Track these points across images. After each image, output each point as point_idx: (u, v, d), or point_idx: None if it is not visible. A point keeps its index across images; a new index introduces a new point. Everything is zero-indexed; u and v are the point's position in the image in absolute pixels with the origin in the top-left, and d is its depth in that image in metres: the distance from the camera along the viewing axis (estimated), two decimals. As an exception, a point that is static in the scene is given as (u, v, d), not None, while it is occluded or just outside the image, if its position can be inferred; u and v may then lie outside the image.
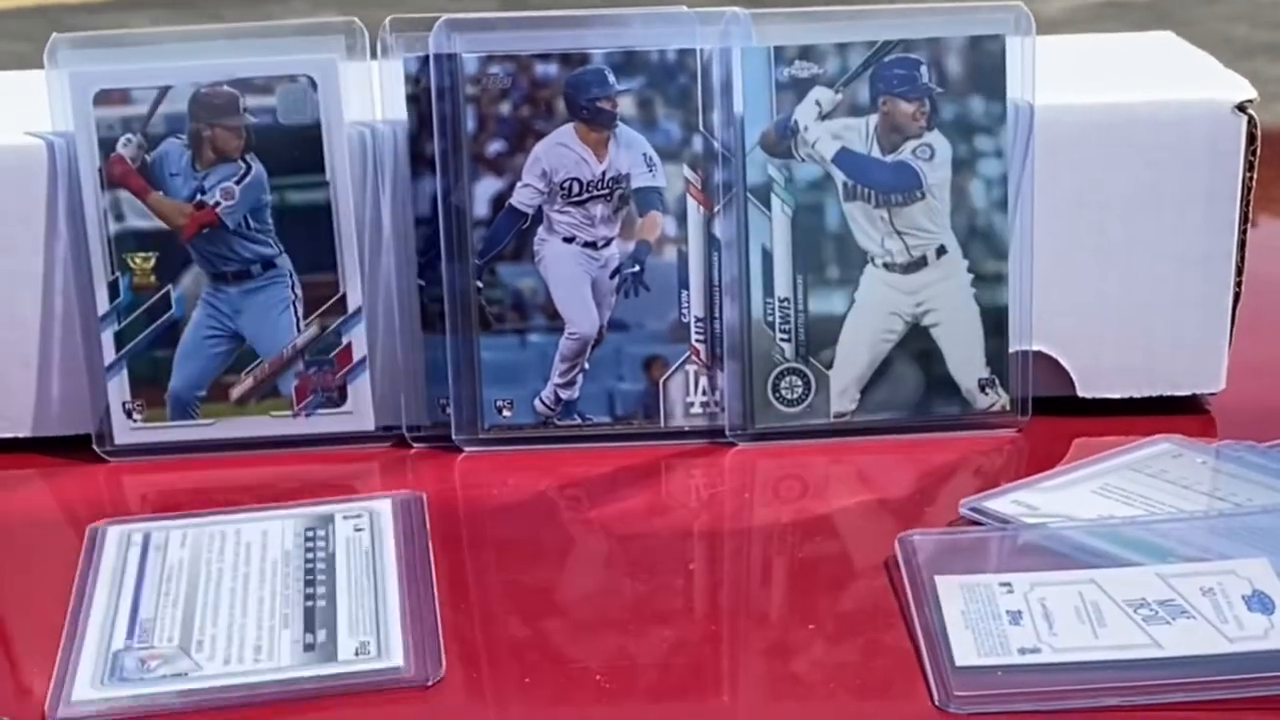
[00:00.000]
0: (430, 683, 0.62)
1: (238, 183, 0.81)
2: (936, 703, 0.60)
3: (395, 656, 0.64)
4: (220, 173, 0.81)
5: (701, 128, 0.81)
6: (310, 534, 0.72)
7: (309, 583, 0.68)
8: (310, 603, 0.67)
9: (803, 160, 0.80)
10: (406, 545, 0.71)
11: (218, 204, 0.81)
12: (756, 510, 0.78)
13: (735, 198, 0.81)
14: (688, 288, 0.82)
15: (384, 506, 0.74)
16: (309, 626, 0.65)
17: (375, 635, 0.65)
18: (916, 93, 0.80)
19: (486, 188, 0.81)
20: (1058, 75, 0.88)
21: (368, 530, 0.72)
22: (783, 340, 0.81)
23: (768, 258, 0.81)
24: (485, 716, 0.63)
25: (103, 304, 0.81)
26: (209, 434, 0.83)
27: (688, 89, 0.81)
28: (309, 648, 0.64)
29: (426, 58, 0.80)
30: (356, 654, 0.64)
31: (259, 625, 0.65)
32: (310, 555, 0.70)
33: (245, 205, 0.81)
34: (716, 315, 0.82)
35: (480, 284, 0.82)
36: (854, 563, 0.73)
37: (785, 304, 0.81)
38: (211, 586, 0.68)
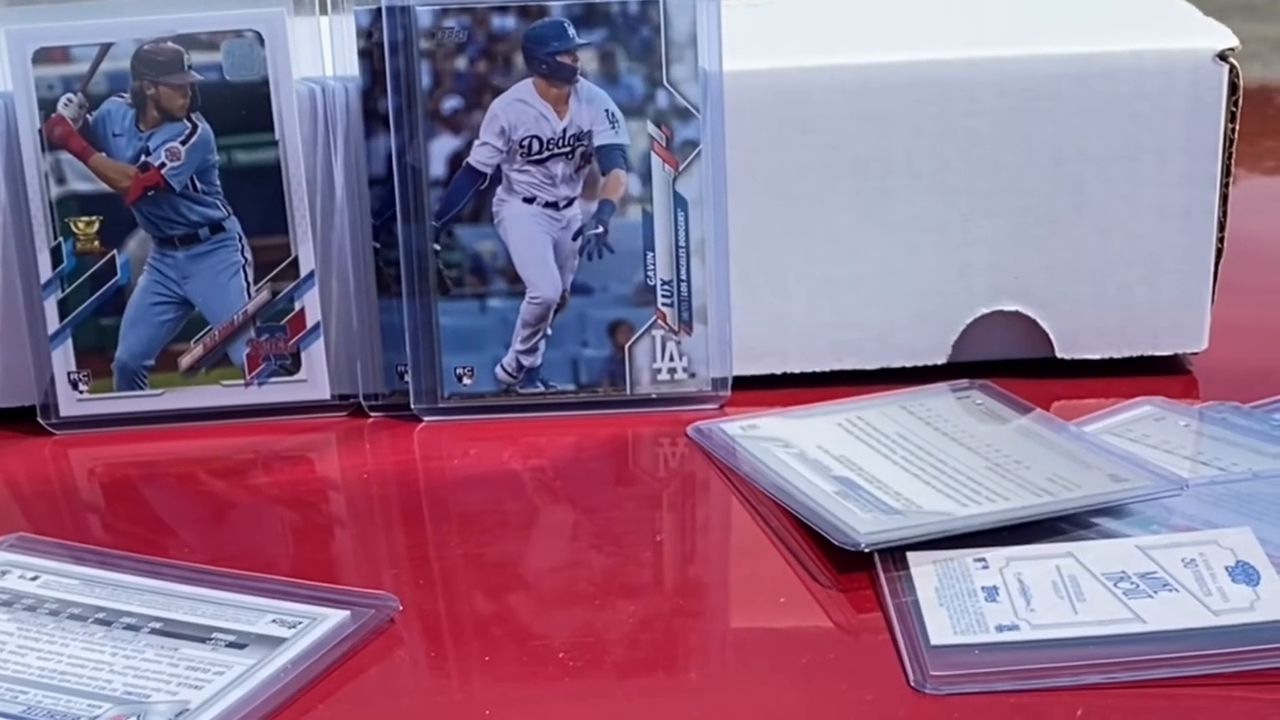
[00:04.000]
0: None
1: (183, 143, 0.78)
2: (912, 683, 0.58)
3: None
4: (165, 133, 0.78)
5: (666, 82, 0.79)
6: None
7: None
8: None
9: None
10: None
11: (163, 165, 0.78)
12: (725, 480, 0.76)
13: (701, 154, 0.79)
14: (653, 249, 0.80)
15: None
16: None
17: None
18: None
19: (443, 146, 0.79)
20: (1034, 25, 0.86)
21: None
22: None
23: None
24: (446, 696, 0.61)
25: (45, 270, 0.79)
26: (158, 405, 0.80)
27: (650, 42, 0.78)
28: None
29: (379, 10, 0.78)
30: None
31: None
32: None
33: (191, 166, 0.79)
34: (684, 278, 0.80)
35: (438, 247, 0.79)
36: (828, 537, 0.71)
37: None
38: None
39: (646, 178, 0.80)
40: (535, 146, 0.79)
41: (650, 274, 0.80)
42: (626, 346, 0.81)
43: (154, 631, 0.62)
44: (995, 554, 0.64)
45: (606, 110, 0.79)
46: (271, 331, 0.80)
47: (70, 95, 0.78)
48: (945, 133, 0.80)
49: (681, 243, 0.80)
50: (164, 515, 0.76)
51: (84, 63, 0.77)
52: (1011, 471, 0.71)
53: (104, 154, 0.78)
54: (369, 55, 0.78)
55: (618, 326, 0.81)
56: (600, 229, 0.80)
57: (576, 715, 0.60)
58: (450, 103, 0.79)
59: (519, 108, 0.79)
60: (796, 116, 0.80)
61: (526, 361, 0.81)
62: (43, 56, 0.77)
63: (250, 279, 0.80)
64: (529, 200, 0.80)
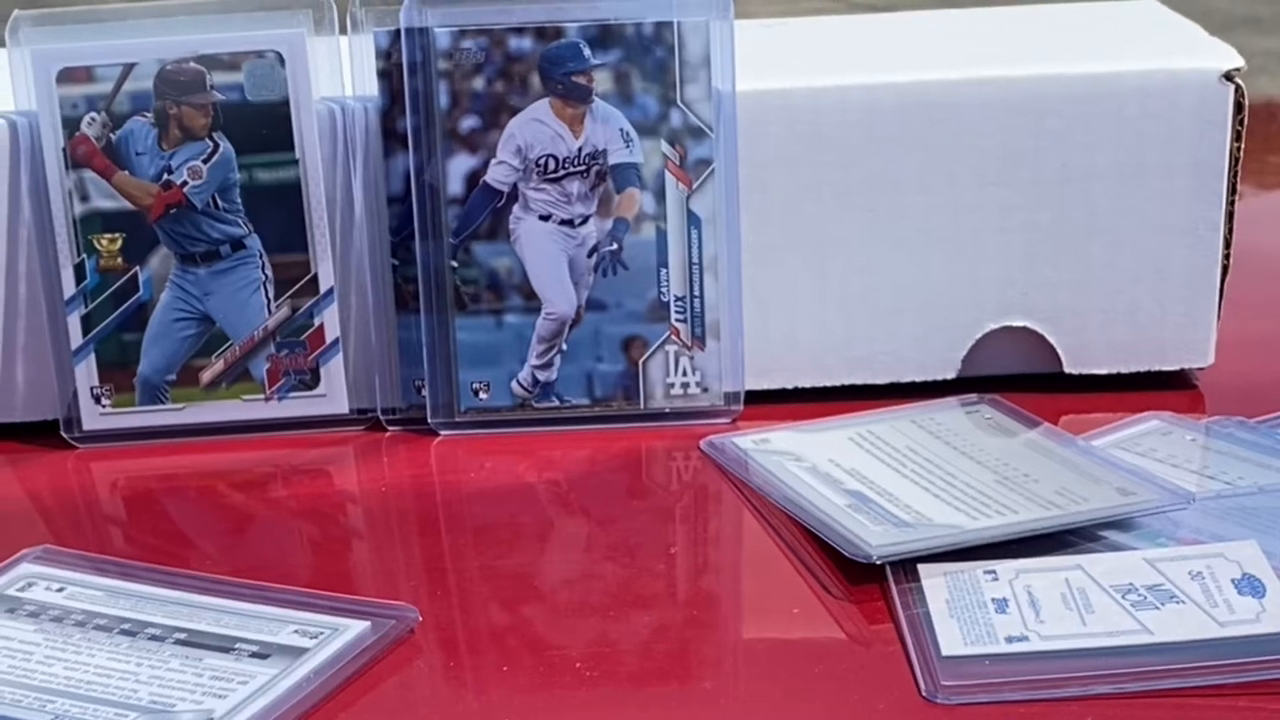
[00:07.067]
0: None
1: (205, 161, 0.79)
2: (923, 693, 0.59)
3: None
4: (187, 151, 0.79)
5: (680, 102, 0.80)
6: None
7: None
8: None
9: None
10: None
11: (185, 183, 0.79)
12: (738, 493, 0.76)
13: (715, 173, 0.80)
14: (667, 266, 0.81)
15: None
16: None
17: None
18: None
19: (460, 165, 0.80)
20: (1042, 45, 0.87)
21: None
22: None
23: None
24: (464, 705, 0.62)
25: (69, 287, 0.80)
26: (179, 419, 0.81)
27: (665, 62, 0.79)
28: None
29: (397, 32, 0.79)
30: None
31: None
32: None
33: (213, 184, 0.80)
34: (697, 294, 0.81)
35: (455, 263, 0.80)
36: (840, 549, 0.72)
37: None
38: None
39: (660, 196, 0.81)
40: (551, 165, 0.80)
41: (664, 290, 0.81)
42: (640, 362, 0.82)
43: (178, 642, 0.63)
44: (1005, 566, 0.65)
45: (621, 129, 0.80)
46: (291, 347, 0.81)
47: (94, 114, 0.79)
48: (955, 151, 0.81)
49: (695, 259, 0.81)
50: (185, 528, 0.77)
51: (107, 82, 0.78)
52: (1020, 485, 0.72)
53: (127, 172, 0.79)
54: (388, 76, 0.79)
55: (632, 342, 0.82)
56: (615, 246, 0.81)
57: (593, 724, 0.60)
58: (468, 122, 0.80)
59: (535, 127, 0.80)
60: (808, 135, 0.81)
61: (542, 376, 0.82)
62: (67, 76, 0.78)
63: (270, 295, 0.81)
64: (545, 218, 0.81)
